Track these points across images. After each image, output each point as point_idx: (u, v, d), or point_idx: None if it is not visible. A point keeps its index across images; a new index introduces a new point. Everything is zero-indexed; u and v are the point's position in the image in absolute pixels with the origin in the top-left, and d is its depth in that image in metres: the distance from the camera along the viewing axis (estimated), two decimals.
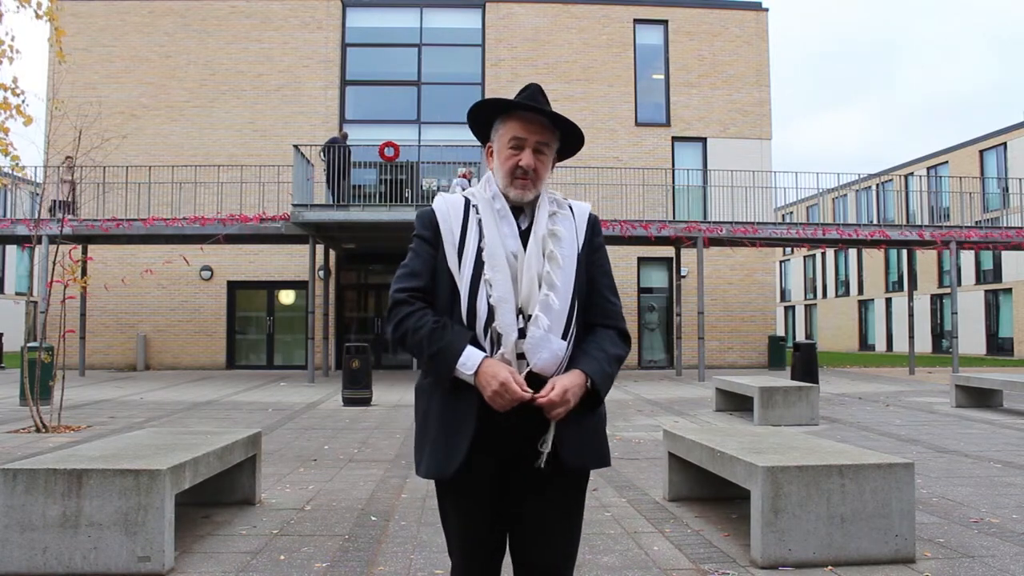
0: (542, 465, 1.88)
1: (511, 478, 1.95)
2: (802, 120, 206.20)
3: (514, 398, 1.80)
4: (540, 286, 1.90)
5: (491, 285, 1.90)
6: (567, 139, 2.06)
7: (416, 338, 1.90)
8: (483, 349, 1.89)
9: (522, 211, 2.00)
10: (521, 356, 1.88)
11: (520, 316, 1.90)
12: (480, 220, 1.96)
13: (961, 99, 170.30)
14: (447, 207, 2.01)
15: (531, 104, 1.95)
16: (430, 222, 2.01)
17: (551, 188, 2.09)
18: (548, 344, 1.88)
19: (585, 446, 1.93)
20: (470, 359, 1.85)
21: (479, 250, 1.93)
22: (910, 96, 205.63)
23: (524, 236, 1.96)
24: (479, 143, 2.15)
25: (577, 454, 1.91)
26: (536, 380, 1.87)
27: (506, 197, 1.98)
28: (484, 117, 2.06)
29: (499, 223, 1.96)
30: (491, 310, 1.89)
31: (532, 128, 1.97)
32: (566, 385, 1.84)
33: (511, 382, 1.80)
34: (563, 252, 1.94)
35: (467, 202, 2.01)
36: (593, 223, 2.06)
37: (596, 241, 2.05)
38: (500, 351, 1.88)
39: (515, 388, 1.80)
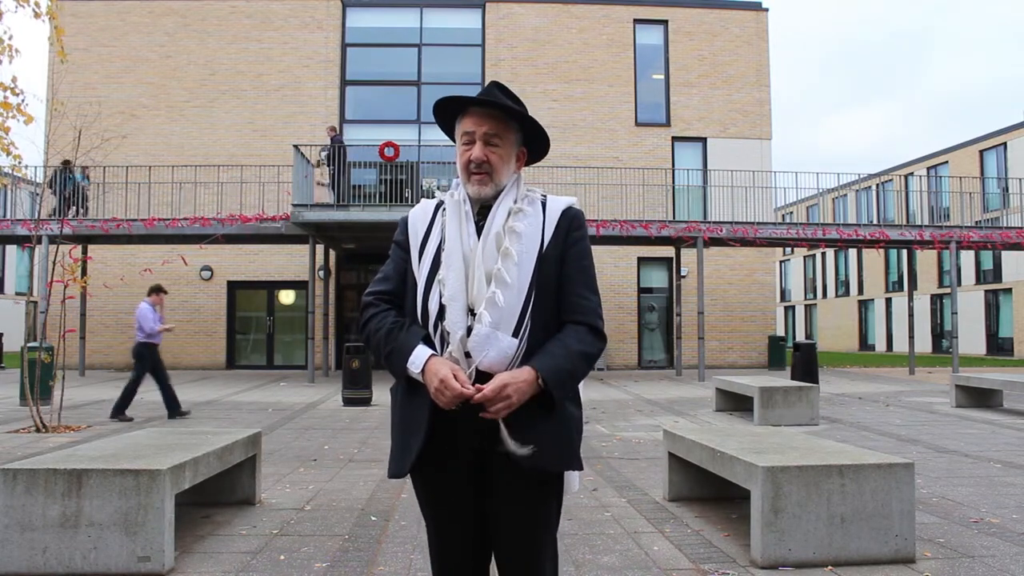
0: (525, 452, 1.82)
1: (484, 480, 1.94)
2: (825, 117, 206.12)
3: (454, 395, 1.78)
4: (489, 283, 1.88)
5: (443, 284, 1.89)
6: (529, 134, 2.02)
7: (376, 339, 1.95)
8: (435, 348, 1.89)
9: (491, 210, 1.97)
10: (469, 354, 1.86)
11: (470, 314, 1.88)
12: (444, 221, 1.97)
13: (993, 91, 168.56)
14: (418, 211, 2.05)
15: (479, 98, 1.95)
16: (403, 227, 2.05)
17: (532, 186, 2.06)
18: (496, 342, 1.85)
19: (546, 448, 1.85)
20: (418, 358, 1.86)
21: (438, 250, 1.94)
22: (941, 89, 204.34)
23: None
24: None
25: (536, 457, 1.84)
26: (488, 378, 1.83)
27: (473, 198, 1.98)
28: (450, 122, 2.05)
29: (463, 223, 1.95)
30: (441, 309, 1.89)
31: (480, 120, 1.95)
32: (506, 380, 1.79)
33: (450, 379, 1.78)
34: (520, 248, 1.90)
35: (439, 204, 2.03)
36: (571, 218, 1.99)
37: (573, 236, 1.97)
38: (448, 349, 1.87)
39: (454, 384, 1.77)
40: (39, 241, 14.13)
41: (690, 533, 4.33)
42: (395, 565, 3.76)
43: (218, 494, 4.91)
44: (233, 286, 20.43)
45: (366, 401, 11.31)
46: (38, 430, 8.24)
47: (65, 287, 9.05)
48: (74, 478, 3.60)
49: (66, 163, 16.72)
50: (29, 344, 10.37)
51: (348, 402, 11.27)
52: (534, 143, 2.05)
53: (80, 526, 3.57)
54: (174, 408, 9.74)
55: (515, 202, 1.97)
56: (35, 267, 15.68)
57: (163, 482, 3.64)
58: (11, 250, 33.90)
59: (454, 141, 2.09)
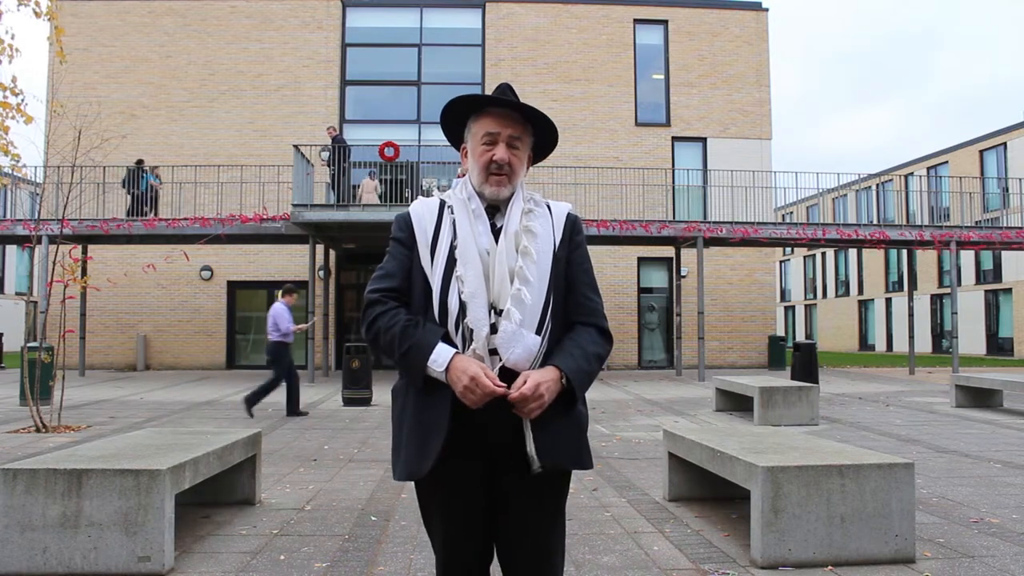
0: (536, 468, 1.85)
1: (496, 480, 1.93)
2: (832, 117, 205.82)
3: (485, 392, 1.77)
4: (512, 281, 1.89)
5: (463, 281, 1.88)
6: (541, 136, 2.06)
7: (388, 337, 1.90)
8: (455, 346, 1.88)
9: (498, 210, 1.99)
10: (494, 352, 1.86)
11: (492, 312, 1.88)
12: (454, 220, 1.96)
13: (999, 91, 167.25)
14: (422, 208, 2.03)
15: (502, 98, 1.97)
16: (405, 224, 2.02)
17: (531, 189, 2.09)
18: (521, 339, 1.85)
19: (560, 446, 1.88)
20: (441, 355, 1.83)
21: (452, 248, 1.93)
22: (947, 89, 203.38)
23: (497, 234, 1.95)
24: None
25: (550, 454, 1.86)
26: (510, 376, 1.84)
27: (482, 196, 1.98)
28: (457, 119, 2.06)
29: (473, 222, 1.95)
30: (462, 306, 1.88)
31: (504, 122, 1.97)
32: (538, 379, 1.81)
33: (482, 376, 1.77)
34: (537, 248, 1.92)
35: (442, 203, 2.02)
36: (573, 222, 2.04)
37: (576, 239, 2.02)
38: (472, 347, 1.86)
39: (486, 382, 1.77)
40: (39, 241, 14.14)
41: (690, 533, 4.33)
42: (395, 565, 3.76)
43: (218, 494, 4.91)
44: (233, 286, 20.43)
45: (366, 401, 11.31)
46: (38, 430, 8.24)
47: (65, 287, 9.05)
48: (74, 478, 3.60)
49: (139, 163, 17.15)
50: (29, 344, 10.37)
51: (348, 402, 11.27)
52: (539, 147, 2.09)
53: (80, 526, 3.57)
54: (294, 407, 10.13)
55: (524, 202, 2.00)
56: (35, 267, 15.70)
57: (163, 482, 3.63)
58: (11, 250, 33.89)
59: (451, 141, 2.11)
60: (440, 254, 1.94)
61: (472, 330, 1.86)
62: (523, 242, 1.92)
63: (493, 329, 1.86)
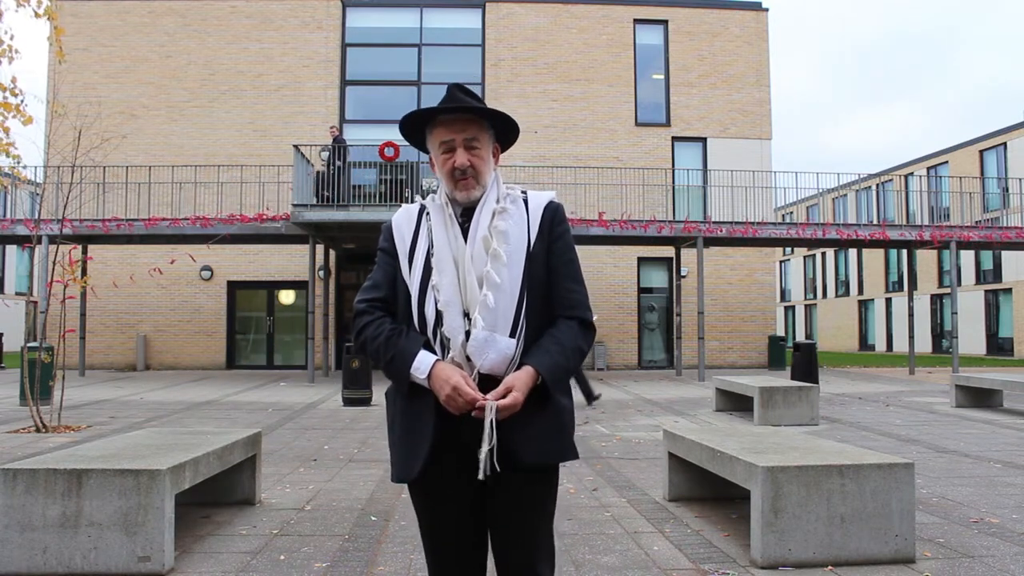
0: (484, 473, 1.82)
1: (486, 480, 1.93)
2: (842, 117, 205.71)
3: (467, 400, 1.80)
4: (481, 286, 1.89)
5: (438, 290, 1.90)
6: (500, 127, 2.04)
7: (374, 345, 1.94)
8: (436, 354, 1.90)
9: (474, 212, 1.99)
10: (470, 358, 1.87)
11: (467, 318, 1.89)
12: (431, 226, 1.97)
13: (1005, 92, 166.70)
14: (401, 217, 2.05)
15: (447, 106, 1.96)
16: (388, 234, 2.04)
17: (512, 184, 2.08)
18: (494, 344, 1.86)
19: (541, 441, 1.90)
20: (423, 363, 1.86)
21: (428, 256, 1.94)
22: (955, 90, 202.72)
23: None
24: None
25: (532, 451, 1.88)
26: (490, 381, 1.85)
27: (455, 201, 1.99)
28: (416, 129, 2.05)
29: (449, 227, 1.96)
30: (439, 315, 1.90)
31: (456, 127, 1.97)
32: (509, 384, 1.82)
33: (463, 385, 1.80)
34: (508, 249, 1.92)
35: (422, 209, 2.03)
36: (552, 212, 2.01)
37: (557, 231, 2.00)
38: (450, 355, 1.88)
39: (467, 391, 1.80)
40: (39, 241, 14.14)
41: (690, 533, 4.33)
42: (395, 565, 3.76)
43: (218, 494, 4.91)
44: (233, 286, 20.43)
45: (366, 401, 11.30)
46: (38, 430, 8.24)
47: (65, 287, 9.05)
48: (74, 478, 3.60)
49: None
50: (29, 344, 10.37)
51: (348, 402, 11.27)
52: (503, 135, 2.08)
53: (80, 526, 3.57)
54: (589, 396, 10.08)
55: (497, 201, 1.99)
56: (35, 267, 15.70)
57: (163, 482, 3.63)
58: (11, 250, 33.89)
59: (422, 150, 2.10)
60: (417, 262, 1.96)
61: (449, 338, 1.88)
62: (493, 244, 1.92)
63: (469, 336, 1.87)
